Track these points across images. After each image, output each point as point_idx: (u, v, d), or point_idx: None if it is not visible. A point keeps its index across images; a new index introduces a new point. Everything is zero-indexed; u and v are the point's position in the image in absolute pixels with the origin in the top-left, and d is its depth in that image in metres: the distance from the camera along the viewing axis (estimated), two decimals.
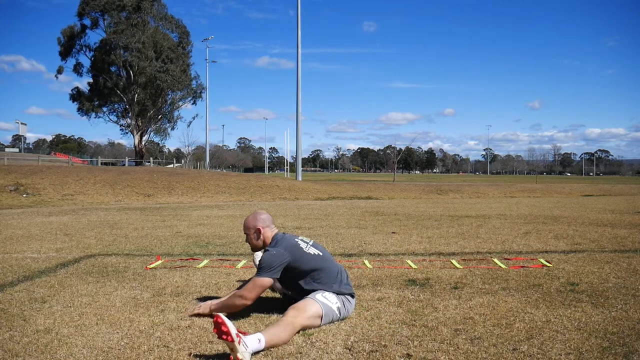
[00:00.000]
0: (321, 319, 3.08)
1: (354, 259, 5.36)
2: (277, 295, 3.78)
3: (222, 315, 2.57)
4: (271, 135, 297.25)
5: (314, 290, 3.21)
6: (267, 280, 3.17)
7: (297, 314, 2.97)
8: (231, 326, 2.53)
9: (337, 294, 3.23)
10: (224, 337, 2.51)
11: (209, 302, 3.34)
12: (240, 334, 2.56)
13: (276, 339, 2.72)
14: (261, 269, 3.18)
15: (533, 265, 4.89)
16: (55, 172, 22.21)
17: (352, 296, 3.35)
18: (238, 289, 3.45)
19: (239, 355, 2.50)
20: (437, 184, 31.21)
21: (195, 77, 42.93)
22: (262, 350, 2.64)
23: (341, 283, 3.30)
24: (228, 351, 2.58)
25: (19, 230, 8.07)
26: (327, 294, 3.19)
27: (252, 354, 2.57)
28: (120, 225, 8.69)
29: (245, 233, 3.44)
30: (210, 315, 3.20)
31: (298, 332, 2.92)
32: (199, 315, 3.26)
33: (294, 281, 3.27)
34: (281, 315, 3.02)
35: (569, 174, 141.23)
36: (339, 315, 3.18)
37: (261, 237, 3.38)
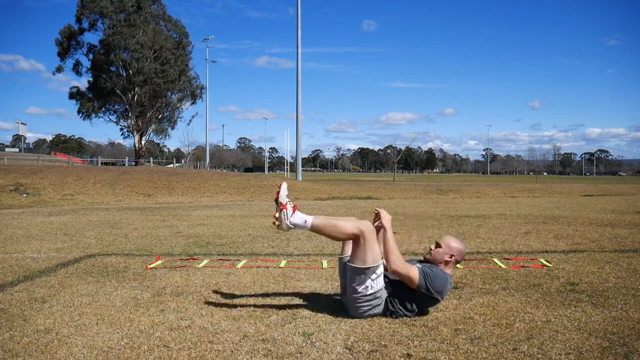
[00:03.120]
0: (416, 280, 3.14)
1: None
2: (279, 294, 3.78)
3: (284, 185, 3.13)
4: (271, 135, 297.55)
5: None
6: (418, 279, 3.14)
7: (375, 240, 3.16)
8: (284, 195, 3.10)
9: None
10: (276, 196, 3.10)
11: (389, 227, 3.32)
12: (294, 208, 3.12)
13: (321, 230, 3.11)
14: (429, 282, 3.13)
15: (533, 265, 4.89)
16: (55, 172, 22.21)
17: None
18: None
19: (276, 214, 3.07)
20: (437, 184, 31.20)
21: (195, 77, 42.95)
22: (305, 227, 3.12)
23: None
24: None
25: (19, 230, 8.07)
26: (377, 281, 3.18)
27: (290, 227, 3.03)
28: (120, 225, 8.69)
29: (445, 245, 3.35)
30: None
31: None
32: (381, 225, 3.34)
33: (403, 290, 3.22)
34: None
35: (570, 174, 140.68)
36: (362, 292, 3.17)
37: (447, 260, 3.32)
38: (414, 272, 3.16)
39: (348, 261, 3.23)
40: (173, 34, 40.33)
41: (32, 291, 3.93)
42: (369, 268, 3.12)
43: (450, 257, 3.34)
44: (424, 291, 3.16)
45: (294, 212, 3.11)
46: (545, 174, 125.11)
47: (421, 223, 9.04)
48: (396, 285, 3.26)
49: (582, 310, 3.35)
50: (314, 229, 3.11)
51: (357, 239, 3.13)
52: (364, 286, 3.14)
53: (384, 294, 3.20)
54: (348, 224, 3.14)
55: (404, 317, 3.20)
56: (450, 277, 3.30)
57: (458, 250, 3.37)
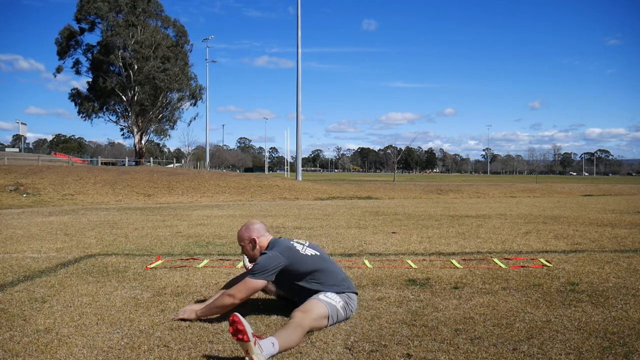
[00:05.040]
0: (328, 319, 3.06)
1: (354, 259, 5.37)
2: (279, 294, 3.78)
3: (238, 314, 2.53)
4: (271, 135, 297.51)
5: (315, 291, 3.20)
6: (259, 283, 3.13)
7: (305, 316, 2.94)
8: (247, 326, 2.49)
9: (338, 293, 3.22)
10: (240, 336, 2.46)
11: (195, 306, 3.26)
12: (255, 336, 2.53)
13: (288, 343, 2.68)
14: (255, 272, 3.15)
15: (533, 265, 4.89)
16: (55, 172, 22.20)
17: (355, 293, 3.34)
18: (224, 288, 3.42)
19: (254, 357, 2.45)
20: (437, 184, 31.19)
21: (194, 77, 42.95)
22: (275, 355, 2.60)
23: (341, 282, 3.29)
24: (242, 354, 2.55)
25: (19, 230, 8.07)
26: (329, 293, 3.18)
27: (267, 359, 2.54)
28: (120, 225, 8.69)
29: (240, 245, 3.41)
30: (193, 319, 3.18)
31: (306, 333, 2.90)
32: (184, 320, 3.17)
33: (293, 283, 3.26)
34: (289, 318, 2.97)
35: (574, 174, 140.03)
36: (344, 315, 3.16)
37: (257, 246, 3.35)
38: (249, 284, 3.12)
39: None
40: (170, 32, 40.36)
41: (32, 291, 3.93)
42: (332, 315, 3.10)
43: (253, 242, 3.34)
44: (274, 277, 3.16)
45: (260, 339, 2.57)
46: (548, 173, 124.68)
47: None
48: (290, 286, 3.30)
49: (582, 310, 3.35)
50: (283, 349, 2.64)
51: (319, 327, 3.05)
52: (339, 313, 3.14)
53: (337, 299, 3.19)
54: (305, 327, 2.87)
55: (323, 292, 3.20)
56: (271, 253, 3.20)
57: (250, 231, 3.36)
